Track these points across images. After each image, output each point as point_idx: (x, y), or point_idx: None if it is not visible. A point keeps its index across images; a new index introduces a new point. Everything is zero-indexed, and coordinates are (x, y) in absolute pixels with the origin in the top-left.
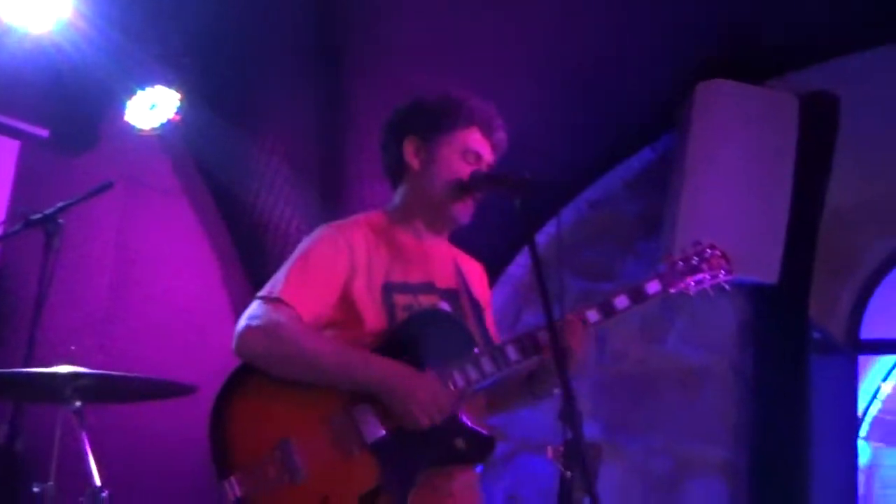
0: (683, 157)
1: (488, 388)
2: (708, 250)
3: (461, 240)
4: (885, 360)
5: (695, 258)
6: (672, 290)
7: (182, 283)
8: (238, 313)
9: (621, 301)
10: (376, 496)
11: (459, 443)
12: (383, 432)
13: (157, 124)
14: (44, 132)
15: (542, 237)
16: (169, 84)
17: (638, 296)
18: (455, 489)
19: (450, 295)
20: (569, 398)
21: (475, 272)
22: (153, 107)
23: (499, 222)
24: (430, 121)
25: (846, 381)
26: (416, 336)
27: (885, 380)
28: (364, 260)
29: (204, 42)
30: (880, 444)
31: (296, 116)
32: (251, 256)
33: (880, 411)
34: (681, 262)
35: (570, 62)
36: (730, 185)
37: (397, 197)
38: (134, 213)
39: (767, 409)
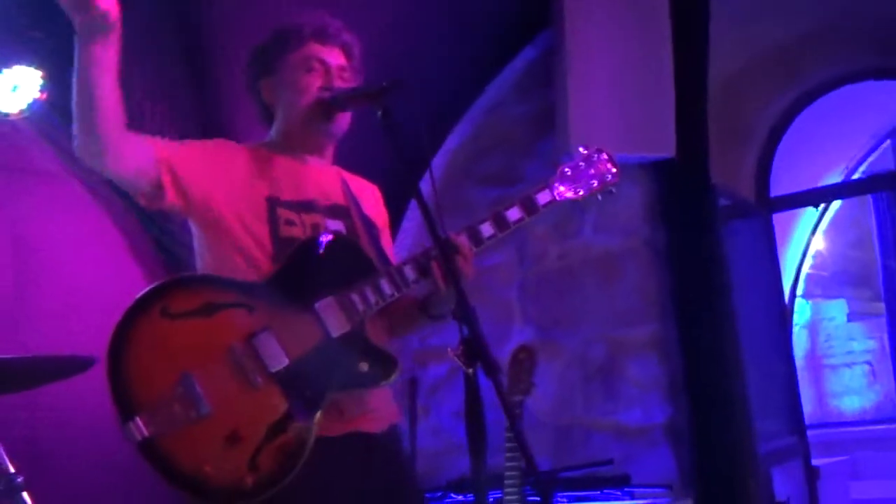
0: (562, 48)
1: (387, 312)
2: (595, 155)
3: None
4: (810, 217)
5: (582, 164)
6: (560, 198)
7: (90, 264)
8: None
9: (514, 213)
10: (285, 424)
11: (363, 365)
12: (286, 361)
13: (24, 106)
14: None
15: (442, 154)
16: (27, 63)
17: (530, 206)
18: (371, 404)
19: (337, 211)
20: (461, 296)
21: (368, 192)
22: (15, 88)
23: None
24: (268, 55)
25: (764, 241)
26: (309, 259)
27: (812, 233)
28: (245, 174)
29: (48, 10)
30: (819, 299)
31: (164, 64)
32: (154, 222)
33: (813, 267)
34: (568, 170)
35: None
36: (612, 68)
37: (272, 132)
38: (25, 201)
39: (686, 280)
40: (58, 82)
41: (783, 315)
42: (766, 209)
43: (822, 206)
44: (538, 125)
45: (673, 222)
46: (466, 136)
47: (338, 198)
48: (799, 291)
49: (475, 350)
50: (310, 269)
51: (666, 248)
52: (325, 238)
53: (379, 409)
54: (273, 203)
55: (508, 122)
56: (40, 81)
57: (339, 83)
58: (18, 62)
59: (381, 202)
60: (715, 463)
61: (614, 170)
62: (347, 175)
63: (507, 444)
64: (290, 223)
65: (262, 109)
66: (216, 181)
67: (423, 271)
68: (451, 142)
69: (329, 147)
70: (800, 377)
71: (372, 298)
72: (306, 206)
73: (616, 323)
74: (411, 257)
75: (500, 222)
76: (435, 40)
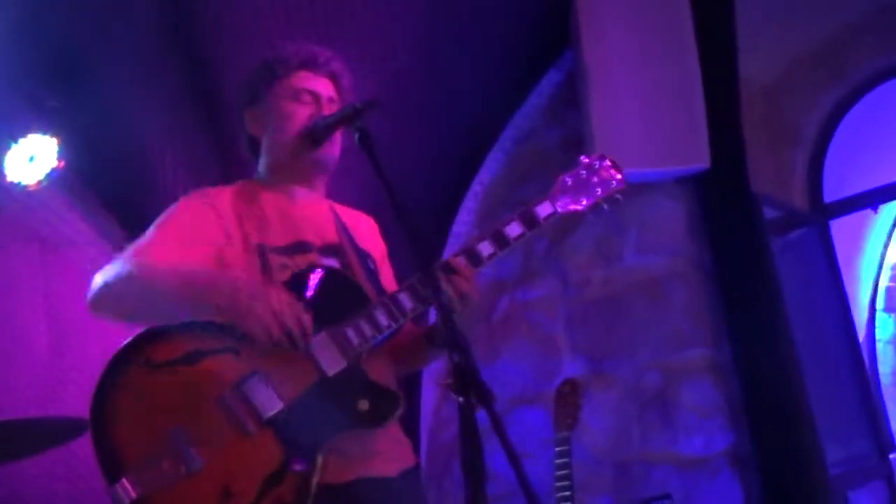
0: (582, 66)
1: (391, 347)
2: (597, 163)
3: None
4: (883, 227)
5: (583, 172)
6: (563, 210)
7: (123, 329)
8: None
9: (513, 229)
10: (282, 475)
11: (363, 404)
12: (280, 405)
13: (42, 176)
14: None
15: (477, 186)
16: (42, 131)
17: (530, 221)
18: (378, 446)
19: (330, 249)
20: (448, 322)
21: (363, 224)
22: (32, 159)
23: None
24: (254, 85)
25: (823, 251)
26: (301, 297)
27: (886, 244)
28: (235, 224)
29: (63, 77)
30: None
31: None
32: None
33: (893, 280)
34: (569, 180)
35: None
36: (635, 82)
37: (261, 163)
38: (57, 270)
39: (736, 298)
40: (74, 148)
41: (850, 329)
42: (820, 216)
43: (895, 214)
44: (572, 147)
45: (717, 237)
46: (500, 166)
47: (330, 235)
48: (879, 305)
49: (467, 378)
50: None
51: (713, 265)
52: (315, 274)
53: (388, 450)
54: (263, 251)
55: (542, 147)
56: (56, 149)
57: (328, 113)
58: (33, 131)
59: (376, 233)
60: (782, 488)
61: (619, 176)
62: (340, 208)
63: (557, 484)
64: (283, 268)
65: (246, 143)
66: (204, 256)
67: (421, 298)
68: (485, 174)
69: (320, 179)
70: (888, 395)
71: (368, 331)
72: (299, 248)
73: (668, 348)
74: (407, 284)
75: (500, 240)
76: (457, 71)
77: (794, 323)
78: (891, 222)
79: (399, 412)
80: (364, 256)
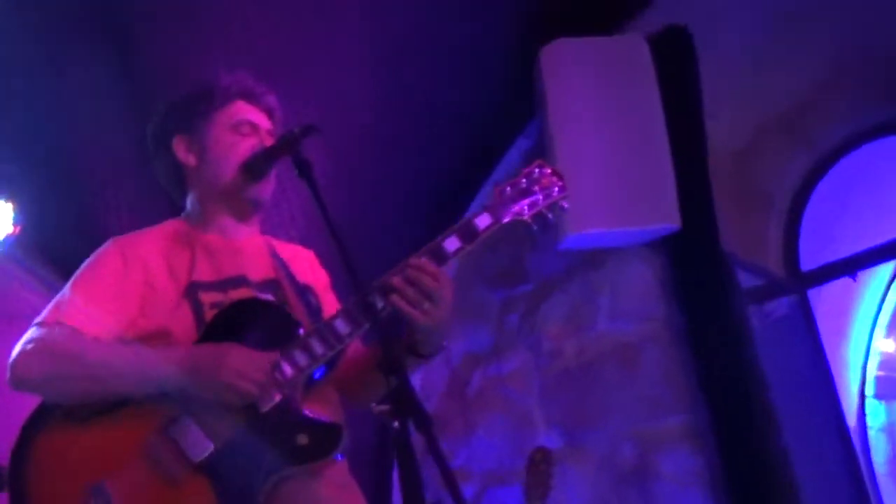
0: (548, 129)
1: (339, 377)
2: (536, 170)
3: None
4: (867, 314)
5: (523, 181)
6: (505, 220)
7: None
8: None
9: (451, 243)
10: None
11: (302, 438)
12: (210, 447)
13: None
14: None
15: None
16: None
17: (469, 233)
18: (324, 493)
19: (267, 285)
20: (385, 344)
21: (301, 258)
22: None
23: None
24: (189, 112)
25: (803, 325)
26: (229, 331)
27: (872, 330)
28: (161, 268)
29: (22, 143)
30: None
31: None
32: None
33: (883, 369)
34: (509, 188)
35: (407, 78)
36: (602, 144)
37: (189, 202)
38: (8, 347)
39: (711, 362)
40: (30, 214)
41: (839, 415)
42: (798, 284)
43: (879, 302)
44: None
45: (690, 299)
46: None
47: (267, 270)
48: (869, 392)
49: (403, 401)
50: (226, 340)
51: (686, 327)
52: (242, 307)
53: (334, 498)
54: (194, 289)
55: None
56: (12, 214)
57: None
58: None
59: (316, 265)
60: None
61: (560, 183)
62: (277, 243)
63: None
64: (215, 306)
65: (168, 171)
66: (127, 311)
67: (357, 321)
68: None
69: (256, 214)
70: (883, 483)
71: (303, 361)
72: (233, 283)
73: (643, 416)
74: (342, 309)
75: (438, 255)
76: (423, 140)
77: (780, 409)
78: (875, 307)
79: (342, 444)
80: (303, 290)
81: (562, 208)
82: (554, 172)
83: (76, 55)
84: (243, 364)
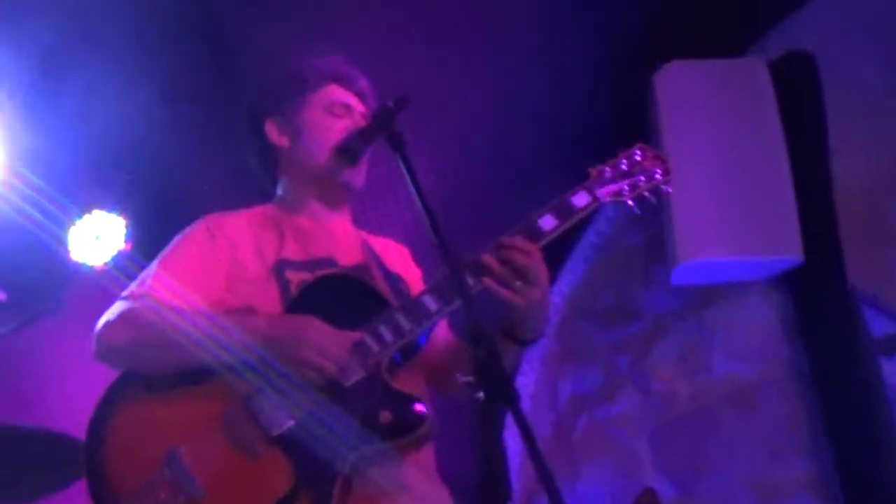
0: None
1: (426, 365)
2: (638, 152)
3: None
4: None
5: (623, 163)
6: (603, 198)
7: None
8: None
9: (547, 221)
10: (294, 498)
11: (385, 415)
12: (290, 421)
13: (108, 257)
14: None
15: (556, 296)
16: (109, 208)
17: (565, 211)
18: (407, 478)
19: (357, 269)
20: (471, 311)
21: (394, 251)
22: (98, 237)
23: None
24: (283, 94)
25: None
26: (314, 306)
27: None
28: (249, 247)
29: (134, 148)
30: None
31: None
32: None
33: None
34: (608, 170)
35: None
36: (718, 170)
37: (280, 186)
38: None
39: (838, 407)
40: (142, 229)
41: None
42: None
43: None
44: (653, 252)
45: (813, 338)
46: (580, 275)
47: (356, 255)
48: None
49: (490, 374)
50: (311, 313)
51: (810, 369)
52: (327, 280)
53: (418, 488)
54: (281, 268)
55: (625, 254)
56: (124, 230)
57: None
58: (100, 207)
59: (409, 260)
60: None
61: (664, 166)
62: (369, 236)
63: None
64: (302, 284)
65: (261, 154)
66: (214, 286)
67: (446, 297)
68: (564, 283)
69: (347, 200)
70: None
71: (388, 337)
72: (321, 264)
73: (763, 463)
74: (430, 285)
75: (533, 232)
76: (533, 175)
77: None
78: None
79: (428, 423)
80: (394, 278)
81: (665, 192)
82: (656, 156)
83: (183, 72)
84: (324, 340)
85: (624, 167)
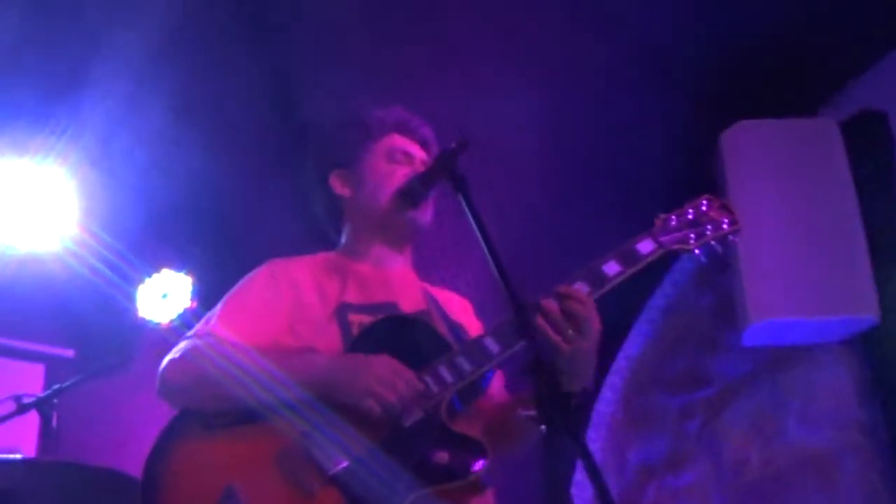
0: None
1: (483, 417)
2: (705, 202)
3: None
4: None
5: (690, 212)
6: (668, 246)
7: None
8: None
9: (611, 267)
10: None
11: (441, 456)
12: (346, 459)
13: (174, 315)
14: (69, 352)
15: (622, 360)
16: (176, 267)
17: (630, 258)
18: None
19: (418, 314)
20: (535, 347)
21: (455, 302)
22: (165, 296)
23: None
24: (346, 145)
25: None
26: (374, 346)
27: None
28: (311, 290)
29: (205, 224)
30: None
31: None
32: None
33: None
34: (674, 218)
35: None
36: (788, 229)
37: (344, 235)
38: None
39: None
40: (208, 288)
41: None
42: None
43: None
44: (722, 314)
45: (891, 403)
46: (647, 338)
47: (418, 303)
48: None
49: (552, 404)
50: (371, 353)
51: (888, 435)
52: (389, 322)
53: None
54: (343, 311)
55: (691, 317)
56: (191, 288)
57: None
58: (168, 266)
59: (470, 312)
60: None
61: (731, 216)
62: (432, 287)
63: None
64: (363, 326)
65: (325, 206)
66: (277, 327)
67: (508, 340)
68: (631, 347)
69: (408, 247)
70: None
71: (449, 378)
72: (382, 308)
73: None
74: (493, 327)
75: (596, 278)
76: (597, 232)
77: None
78: None
79: (485, 465)
80: (454, 326)
81: (733, 243)
82: (724, 205)
83: (251, 134)
84: (386, 372)
85: (690, 216)
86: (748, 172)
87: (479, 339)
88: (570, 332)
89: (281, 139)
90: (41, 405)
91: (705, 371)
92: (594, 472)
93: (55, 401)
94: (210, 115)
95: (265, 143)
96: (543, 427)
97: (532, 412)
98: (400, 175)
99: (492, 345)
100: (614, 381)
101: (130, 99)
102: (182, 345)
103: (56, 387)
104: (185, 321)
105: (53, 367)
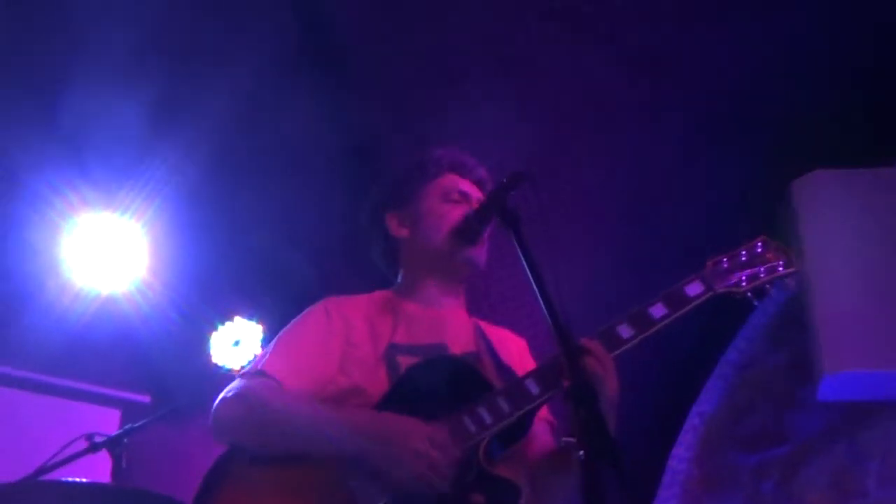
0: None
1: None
2: (759, 244)
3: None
4: None
5: (744, 254)
6: (719, 289)
7: None
8: None
9: (658, 310)
10: None
11: (478, 498)
12: (383, 500)
13: (245, 362)
14: (144, 398)
15: (695, 418)
16: (247, 316)
17: (677, 301)
18: None
19: (464, 356)
20: (575, 372)
21: (509, 341)
22: (237, 343)
23: (642, 409)
24: (401, 186)
25: None
26: (417, 388)
27: None
28: (363, 329)
29: (276, 274)
30: None
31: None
32: None
33: None
34: (725, 261)
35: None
36: (863, 280)
37: (400, 275)
38: None
39: None
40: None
41: None
42: None
43: None
44: (797, 371)
45: None
46: (720, 395)
47: (468, 343)
48: None
49: (592, 432)
50: (415, 396)
51: None
52: (433, 361)
53: None
54: (392, 352)
55: (764, 375)
56: (261, 336)
57: None
58: (240, 314)
59: (525, 353)
60: None
61: (786, 257)
62: (486, 325)
63: None
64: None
65: (383, 247)
66: (326, 368)
67: (547, 382)
68: (704, 404)
69: (462, 286)
70: None
71: (488, 419)
72: (432, 349)
73: None
74: (535, 370)
75: (641, 321)
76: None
77: None
78: None
79: None
80: (504, 369)
81: (787, 286)
82: (780, 248)
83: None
84: (422, 444)
85: (743, 258)
86: (822, 222)
87: (520, 381)
88: None
89: (352, 188)
90: (112, 445)
91: (781, 428)
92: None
93: (125, 441)
94: (282, 167)
95: (338, 193)
96: (581, 453)
97: (572, 439)
98: (455, 214)
99: (532, 386)
100: (688, 438)
101: (212, 155)
102: (234, 384)
103: (127, 427)
104: None
105: (129, 412)
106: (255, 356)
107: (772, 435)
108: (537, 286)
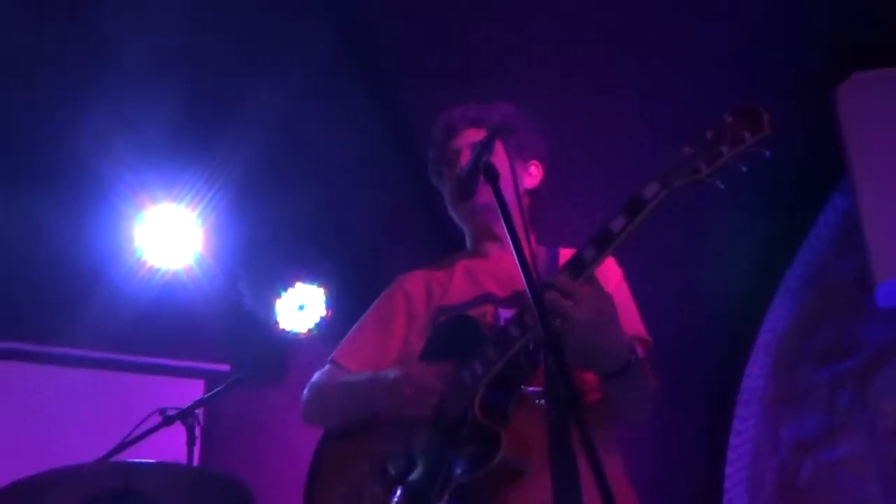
0: (850, 172)
1: None
2: (729, 115)
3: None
4: None
5: (709, 133)
6: (675, 183)
7: None
8: None
9: (617, 222)
10: None
11: (470, 447)
12: (405, 460)
13: (311, 325)
14: (224, 367)
15: (766, 334)
16: (309, 281)
17: (634, 207)
18: None
19: (514, 298)
20: (546, 324)
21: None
22: (302, 307)
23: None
24: (431, 173)
25: None
26: (438, 348)
27: None
28: (422, 302)
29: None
30: None
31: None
32: None
33: None
34: (687, 148)
35: None
36: None
37: None
38: None
39: None
40: (340, 296)
41: None
42: None
43: None
44: (863, 279)
45: None
46: (790, 311)
47: (518, 283)
48: None
49: (555, 381)
50: (435, 354)
51: None
52: (446, 322)
53: None
54: (438, 314)
55: (833, 285)
56: (324, 298)
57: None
58: (301, 280)
59: (610, 273)
60: None
61: (756, 121)
62: (562, 250)
63: None
64: None
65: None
66: (396, 342)
67: (525, 324)
68: (775, 321)
69: (492, 230)
70: None
71: (479, 369)
72: (477, 302)
73: None
74: (516, 313)
75: (602, 238)
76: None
77: None
78: None
79: (498, 457)
80: None
81: (762, 155)
82: (748, 111)
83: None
84: (417, 376)
85: (710, 138)
86: (866, 126)
87: (505, 327)
88: (558, 321)
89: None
90: (185, 417)
91: (852, 340)
92: (594, 463)
93: (196, 412)
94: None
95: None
96: (543, 401)
97: (539, 389)
98: (452, 177)
99: (514, 331)
100: (761, 356)
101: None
102: (316, 374)
103: (197, 399)
104: (322, 329)
105: (212, 382)
106: (321, 318)
107: (843, 346)
108: (512, 239)
